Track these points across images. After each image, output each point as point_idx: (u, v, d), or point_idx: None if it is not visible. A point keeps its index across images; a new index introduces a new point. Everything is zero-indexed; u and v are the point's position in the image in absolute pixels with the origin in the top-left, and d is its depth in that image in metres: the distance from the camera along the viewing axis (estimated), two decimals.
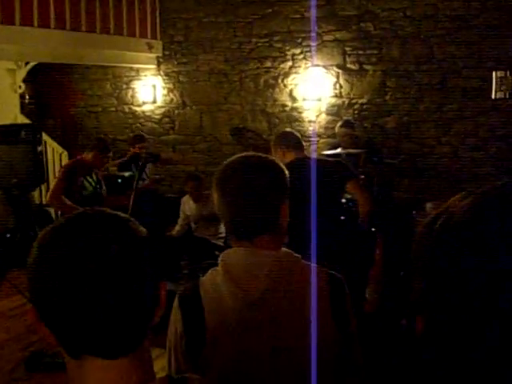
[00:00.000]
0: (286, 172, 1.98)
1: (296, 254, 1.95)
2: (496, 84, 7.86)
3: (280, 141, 4.95)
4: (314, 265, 1.94)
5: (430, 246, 0.81)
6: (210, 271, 1.94)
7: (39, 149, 7.23)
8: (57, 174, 7.31)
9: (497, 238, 0.75)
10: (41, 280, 1.12)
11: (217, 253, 3.69)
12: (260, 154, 2.04)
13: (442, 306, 0.79)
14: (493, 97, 7.92)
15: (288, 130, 5.85)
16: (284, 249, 1.94)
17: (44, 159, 8.60)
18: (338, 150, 7.03)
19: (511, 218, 0.77)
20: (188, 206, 7.44)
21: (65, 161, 9.25)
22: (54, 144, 9.45)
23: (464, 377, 0.78)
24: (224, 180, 1.93)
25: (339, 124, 7.90)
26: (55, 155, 9.41)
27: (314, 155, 8.54)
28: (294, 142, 4.92)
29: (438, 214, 0.84)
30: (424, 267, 0.82)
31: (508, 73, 7.81)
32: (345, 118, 8.37)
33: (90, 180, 6.39)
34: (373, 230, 6.12)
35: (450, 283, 0.78)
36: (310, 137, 8.99)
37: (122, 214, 1.22)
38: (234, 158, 2.00)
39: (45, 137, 9.01)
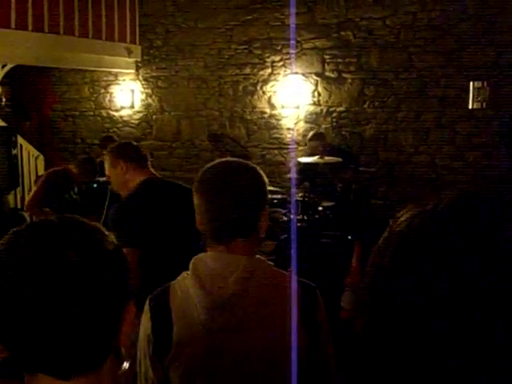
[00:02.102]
0: (266, 179, 1.99)
1: (269, 262, 1.95)
2: (473, 94, 7.92)
3: (119, 154, 3.97)
4: (286, 272, 1.95)
5: (392, 250, 0.82)
6: (181, 274, 1.94)
7: (14, 152, 7.16)
8: (36, 180, 7.19)
9: (463, 250, 0.74)
10: None
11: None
12: (240, 159, 2.06)
13: (375, 313, 0.80)
14: (470, 107, 7.98)
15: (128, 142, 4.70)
16: (257, 255, 1.94)
17: (19, 162, 8.52)
18: (315, 158, 7.03)
19: (479, 225, 0.76)
20: None
21: (40, 165, 9.16)
22: (30, 147, 9.35)
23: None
24: (203, 183, 1.94)
25: (308, 137, 7.88)
26: (31, 159, 9.31)
27: (293, 162, 8.57)
28: (138, 156, 4.05)
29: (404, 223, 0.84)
30: (377, 271, 0.82)
31: (485, 83, 7.87)
32: (312, 132, 8.27)
33: (71, 193, 6.30)
34: (349, 237, 6.14)
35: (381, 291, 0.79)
36: (289, 144, 9.00)
37: (91, 223, 1.15)
38: (215, 162, 2.01)
39: (20, 140, 8.92)
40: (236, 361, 1.83)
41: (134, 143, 4.31)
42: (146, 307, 1.92)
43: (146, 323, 1.90)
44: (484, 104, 7.92)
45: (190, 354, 1.83)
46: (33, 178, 8.68)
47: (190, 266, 1.90)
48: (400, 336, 0.76)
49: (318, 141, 7.69)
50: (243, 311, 1.82)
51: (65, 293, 1.03)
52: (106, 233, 1.15)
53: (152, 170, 4.02)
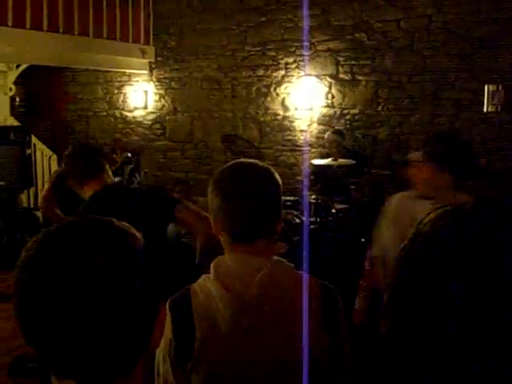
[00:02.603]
0: (280, 180, 1.99)
1: (288, 263, 1.94)
2: (488, 97, 7.87)
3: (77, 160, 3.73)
4: (306, 274, 1.94)
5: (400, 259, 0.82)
6: (201, 277, 1.93)
7: (28, 151, 7.17)
8: (48, 178, 7.24)
9: (483, 254, 0.74)
10: (22, 292, 1.04)
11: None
12: (254, 160, 2.05)
13: (402, 312, 0.80)
14: (484, 110, 7.93)
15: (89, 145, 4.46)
16: (276, 257, 1.93)
17: (33, 162, 8.56)
18: (329, 161, 7.02)
19: (497, 233, 0.75)
20: None
21: (54, 164, 9.19)
22: (44, 147, 9.39)
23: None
24: (222, 184, 1.93)
25: (331, 130, 7.93)
26: (44, 158, 9.35)
27: (306, 164, 8.56)
28: (96, 163, 3.73)
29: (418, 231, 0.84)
30: (399, 276, 0.82)
31: (500, 86, 7.82)
32: (337, 127, 8.39)
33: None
34: (362, 240, 6.11)
35: (410, 295, 0.78)
36: (302, 146, 8.98)
37: (118, 223, 1.13)
38: (232, 163, 2.01)
39: (34, 140, 8.95)
40: (260, 363, 1.82)
41: (94, 147, 4.07)
42: (167, 310, 1.87)
43: (167, 327, 1.84)
44: (499, 107, 7.87)
45: (213, 357, 1.81)
46: (46, 177, 8.71)
47: (211, 268, 1.89)
48: (424, 338, 0.76)
49: (337, 135, 7.72)
50: (267, 313, 1.82)
51: (95, 298, 1.01)
52: (135, 233, 1.13)
53: (106, 175, 3.75)
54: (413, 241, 0.81)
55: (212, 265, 1.91)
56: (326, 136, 7.95)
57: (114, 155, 8.03)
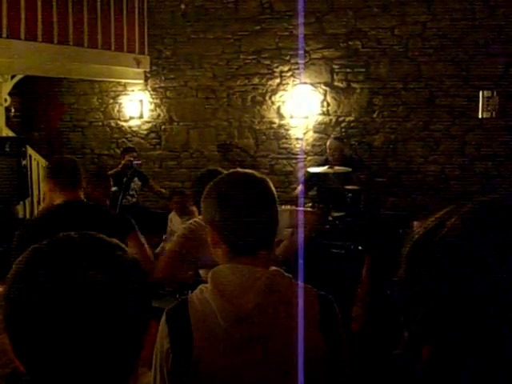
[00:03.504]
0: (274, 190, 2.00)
1: (286, 274, 1.94)
2: (483, 103, 7.89)
3: (50, 173, 3.89)
4: (305, 285, 1.95)
5: (428, 267, 0.78)
6: (199, 287, 1.92)
7: (24, 162, 7.17)
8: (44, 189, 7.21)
9: (495, 253, 0.72)
10: (12, 307, 1.02)
11: (200, 270, 3.66)
12: (249, 170, 2.06)
13: (451, 332, 0.75)
14: (479, 116, 7.95)
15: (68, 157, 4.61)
16: (274, 267, 1.93)
17: (28, 173, 8.53)
18: (325, 168, 7.02)
19: (505, 230, 0.75)
20: (174, 221, 7.39)
21: None
22: (39, 158, 9.37)
23: None
24: (219, 196, 1.92)
25: (332, 137, 8.00)
26: (40, 169, 9.32)
27: (300, 173, 8.55)
28: (66, 177, 3.80)
29: (426, 233, 0.81)
30: (424, 291, 0.78)
31: (495, 92, 7.84)
32: (335, 134, 8.44)
33: None
34: (360, 248, 6.10)
35: (456, 305, 0.74)
36: (297, 154, 8.98)
37: (108, 239, 1.12)
38: (229, 173, 2.03)
39: (30, 150, 8.94)
40: (258, 374, 1.81)
41: (74, 160, 4.16)
42: (163, 321, 1.88)
43: (163, 338, 1.86)
44: (494, 113, 7.88)
45: (211, 368, 1.80)
46: (42, 188, 8.68)
47: (209, 278, 1.88)
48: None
49: (339, 141, 7.84)
50: (265, 324, 1.82)
51: (92, 313, 1.00)
52: (125, 248, 1.12)
53: (81, 192, 3.83)
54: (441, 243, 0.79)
55: (210, 275, 1.90)
56: (328, 143, 7.97)
57: (122, 160, 8.03)
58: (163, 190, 8.59)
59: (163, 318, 1.89)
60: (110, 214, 3.97)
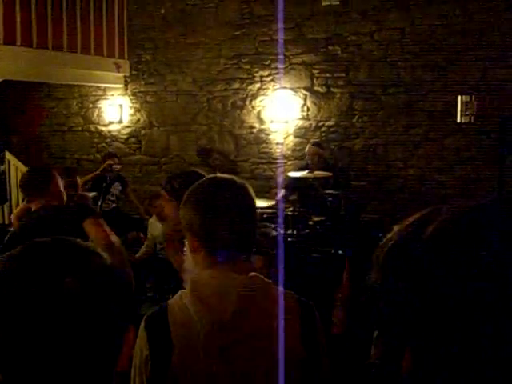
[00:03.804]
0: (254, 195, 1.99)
1: (266, 279, 1.93)
2: (461, 108, 7.95)
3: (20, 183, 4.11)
4: (284, 290, 1.95)
5: (404, 275, 0.78)
6: (178, 293, 1.91)
7: (2, 168, 7.11)
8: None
9: (472, 259, 0.73)
10: None
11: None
12: (228, 175, 2.05)
13: (430, 340, 0.75)
14: (458, 121, 8.01)
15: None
16: (253, 273, 1.92)
17: (7, 178, 8.47)
18: (305, 173, 7.03)
19: (483, 236, 0.75)
20: (154, 226, 7.37)
21: None
22: (18, 163, 9.29)
23: None
24: (198, 202, 1.91)
25: (310, 142, 8.03)
26: (19, 174, 9.24)
27: (281, 177, 8.57)
28: (29, 187, 4.00)
29: (401, 240, 0.81)
30: (402, 300, 0.78)
31: (473, 97, 7.91)
32: (314, 139, 8.48)
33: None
34: (340, 252, 6.12)
35: (434, 313, 0.75)
36: (278, 158, 9.00)
37: (84, 243, 1.10)
38: (208, 179, 2.02)
39: (8, 156, 8.87)
40: (237, 381, 1.80)
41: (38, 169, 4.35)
42: (142, 328, 1.87)
43: (142, 344, 1.84)
44: (472, 118, 7.95)
45: (191, 375, 1.79)
46: (21, 193, 8.62)
47: (189, 284, 1.88)
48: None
49: (318, 147, 7.88)
50: (244, 330, 1.81)
51: (64, 322, 0.98)
52: (101, 253, 1.10)
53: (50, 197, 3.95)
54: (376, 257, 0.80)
55: (189, 281, 1.89)
56: (306, 149, 8.00)
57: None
58: (137, 203, 8.46)
59: (142, 324, 1.87)
60: (67, 205, 4.07)
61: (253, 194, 1.98)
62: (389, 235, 0.83)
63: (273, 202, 7.57)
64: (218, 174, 2.08)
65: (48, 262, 1.02)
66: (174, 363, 1.79)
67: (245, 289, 1.83)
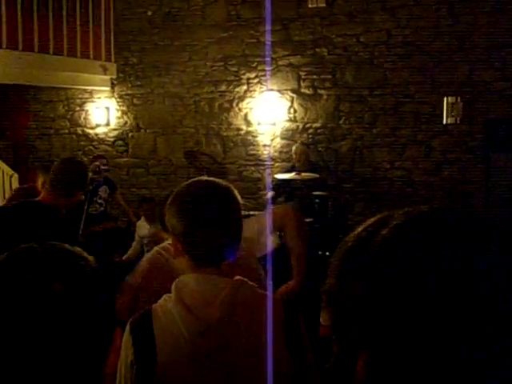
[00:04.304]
0: (240, 198, 1.98)
1: (251, 283, 1.93)
2: (447, 109, 8.00)
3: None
4: (269, 294, 1.93)
5: (359, 279, 0.78)
6: (163, 297, 1.90)
7: None
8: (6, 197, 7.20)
9: (428, 265, 0.74)
10: None
11: None
12: (214, 178, 2.03)
13: (386, 344, 0.75)
14: (444, 122, 8.05)
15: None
16: (238, 276, 1.91)
17: None
18: (292, 175, 7.04)
19: (436, 243, 0.76)
20: (142, 228, 7.38)
21: (15, 183, 9.05)
22: (4, 166, 9.24)
23: None
24: (183, 205, 1.90)
25: (298, 142, 8.08)
26: (5, 177, 9.20)
27: (268, 179, 8.57)
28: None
29: (356, 244, 0.82)
30: (356, 304, 0.78)
31: (459, 99, 7.95)
32: (301, 141, 8.52)
33: None
34: (327, 254, 6.13)
35: (389, 318, 0.75)
36: (265, 161, 9.00)
37: (71, 248, 1.11)
38: (190, 182, 1.99)
39: None
40: None
41: None
42: (127, 332, 1.86)
43: (127, 349, 1.83)
44: (458, 119, 8.00)
45: (175, 379, 1.79)
46: (7, 196, 8.57)
47: (173, 288, 1.86)
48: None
49: (305, 147, 8.03)
50: (229, 335, 1.80)
51: (53, 326, 0.99)
52: (87, 257, 1.11)
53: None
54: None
55: (173, 285, 1.88)
56: (293, 148, 8.03)
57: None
58: (125, 206, 8.41)
59: (127, 328, 1.87)
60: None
61: (238, 197, 1.96)
62: (346, 238, 0.84)
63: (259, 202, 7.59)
64: (202, 177, 2.07)
65: (35, 267, 1.02)
66: (159, 368, 1.78)
67: (229, 294, 1.82)
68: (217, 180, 2.01)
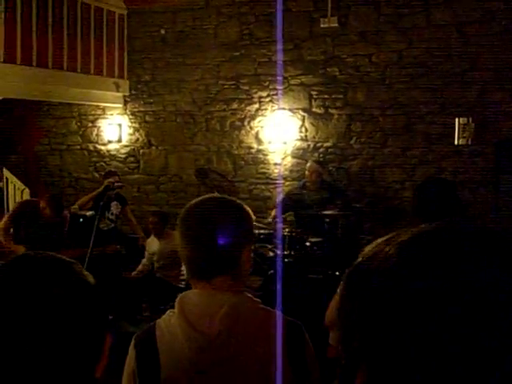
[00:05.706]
0: (252, 215, 1.98)
1: (256, 299, 1.93)
2: (459, 130, 7.99)
3: None
4: (273, 310, 1.94)
5: (362, 295, 0.79)
6: (167, 313, 1.91)
7: (0, 185, 7.12)
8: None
9: (431, 283, 0.74)
10: None
11: (178, 295, 3.63)
12: (225, 195, 2.05)
13: (385, 359, 0.75)
14: (455, 143, 8.04)
15: None
16: (245, 293, 1.92)
17: (5, 196, 8.48)
18: (303, 193, 7.05)
19: (442, 261, 0.75)
20: (153, 245, 7.38)
21: (26, 197, 9.10)
22: (16, 180, 9.30)
23: None
24: (185, 220, 1.92)
25: (311, 160, 8.08)
26: (16, 192, 9.25)
27: (279, 198, 8.58)
28: None
29: (363, 261, 0.83)
30: (358, 319, 0.78)
31: (470, 119, 7.95)
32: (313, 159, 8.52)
33: (35, 226, 6.40)
34: (337, 273, 6.12)
35: (389, 334, 0.75)
36: (276, 179, 9.01)
37: (67, 259, 1.15)
38: (199, 198, 1.99)
39: (6, 173, 8.88)
40: None
41: None
42: (132, 346, 1.88)
43: (131, 362, 1.86)
44: (469, 140, 7.99)
45: None
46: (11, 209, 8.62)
47: (176, 303, 1.87)
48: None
49: (317, 164, 7.97)
50: (230, 350, 1.80)
51: (50, 330, 1.02)
52: (78, 265, 1.15)
53: None
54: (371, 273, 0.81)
55: (177, 300, 1.89)
56: (307, 165, 8.03)
57: (105, 182, 7.99)
58: (135, 222, 8.41)
59: (132, 342, 1.89)
60: None
61: (247, 213, 1.96)
62: (359, 258, 0.85)
63: (269, 220, 7.58)
64: (211, 194, 2.08)
65: (36, 274, 1.06)
66: (162, 382, 1.80)
67: (231, 309, 1.82)
68: (225, 196, 2.04)
